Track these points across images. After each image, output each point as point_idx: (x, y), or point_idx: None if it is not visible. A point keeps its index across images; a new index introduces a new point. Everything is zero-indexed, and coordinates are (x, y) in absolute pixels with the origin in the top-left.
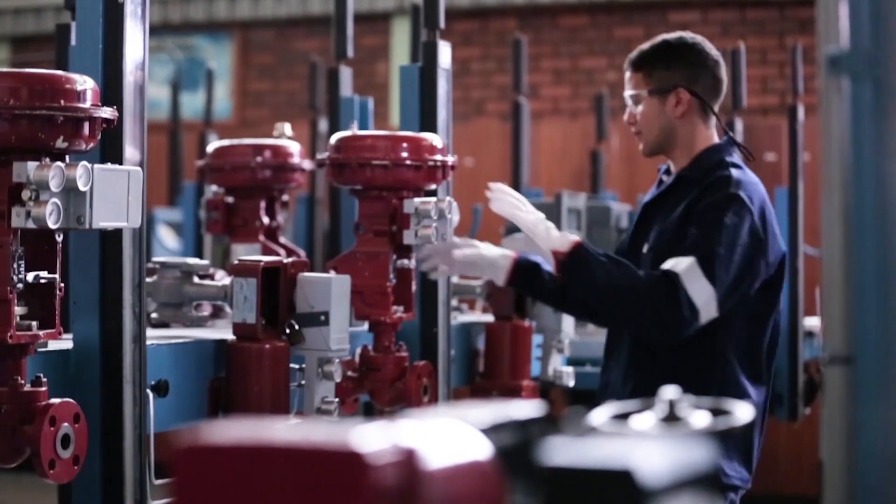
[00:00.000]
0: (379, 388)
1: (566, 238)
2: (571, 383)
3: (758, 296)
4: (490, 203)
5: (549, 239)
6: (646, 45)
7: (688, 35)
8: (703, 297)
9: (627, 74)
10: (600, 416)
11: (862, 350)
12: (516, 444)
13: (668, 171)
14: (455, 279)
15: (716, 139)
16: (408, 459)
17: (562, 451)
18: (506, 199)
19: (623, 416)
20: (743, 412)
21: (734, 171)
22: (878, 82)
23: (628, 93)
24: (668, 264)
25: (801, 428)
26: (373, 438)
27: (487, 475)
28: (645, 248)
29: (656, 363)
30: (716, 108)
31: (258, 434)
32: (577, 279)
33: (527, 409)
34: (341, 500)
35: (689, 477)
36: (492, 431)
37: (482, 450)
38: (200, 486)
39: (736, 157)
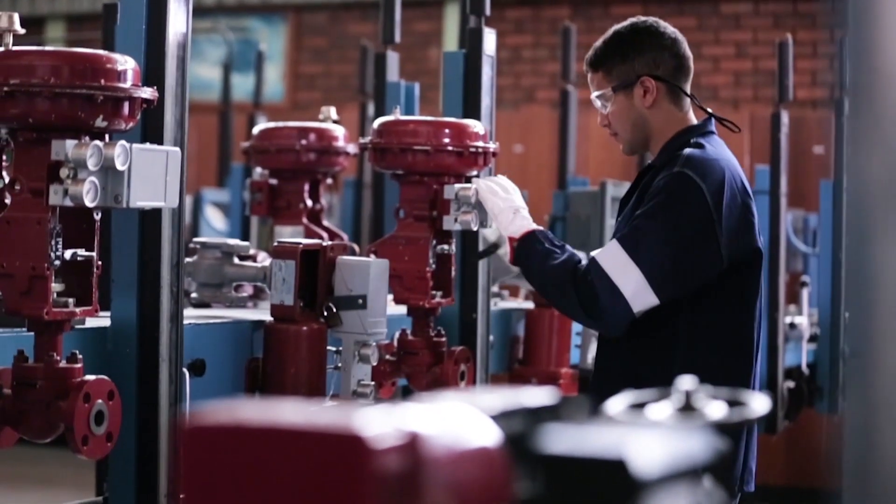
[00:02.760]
0: (416, 372)
1: (524, 226)
2: None
3: (727, 284)
4: (474, 182)
5: (509, 225)
6: (598, 43)
7: (638, 20)
8: (629, 280)
9: (589, 77)
10: (615, 404)
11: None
12: (524, 431)
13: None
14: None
15: (692, 121)
16: (411, 443)
17: (560, 439)
18: (483, 184)
19: (638, 406)
20: (760, 404)
21: (689, 150)
22: None
23: (593, 95)
24: (595, 251)
25: (841, 421)
26: (376, 422)
27: (493, 461)
28: None
29: (617, 351)
30: (687, 87)
31: (264, 416)
32: (523, 265)
33: (539, 396)
34: (344, 483)
35: (687, 468)
36: (501, 418)
37: (489, 436)
38: (206, 466)
39: (710, 138)
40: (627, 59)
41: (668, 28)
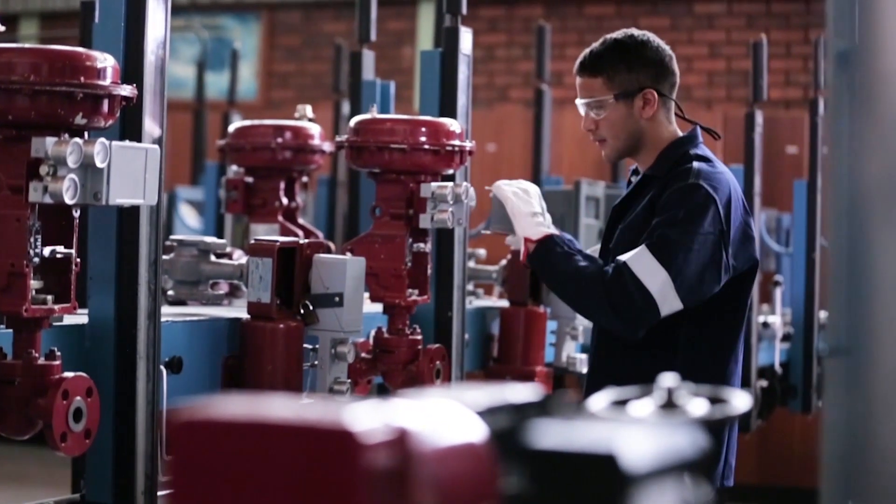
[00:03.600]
0: (392, 370)
1: (544, 230)
2: (585, 370)
3: (726, 293)
4: (493, 186)
5: (526, 227)
6: (597, 48)
7: (636, 32)
8: (657, 283)
9: (580, 80)
10: (598, 401)
11: (862, 343)
12: (511, 427)
13: (636, 172)
14: (472, 264)
15: (679, 132)
16: (400, 439)
17: (549, 435)
18: (504, 185)
19: (621, 403)
20: (741, 401)
21: (697, 164)
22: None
23: (586, 100)
24: (622, 256)
25: (814, 420)
26: (366, 417)
27: (480, 457)
28: (611, 247)
29: (618, 354)
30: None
31: (254, 411)
32: (541, 267)
33: (523, 392)
34: (333, 478)
35: (674, 463)
36: (487, 414)
37: (476, 431)
38: (196, 460)
39: (703, 149)
40: (632, 69)
41: (664, 44)
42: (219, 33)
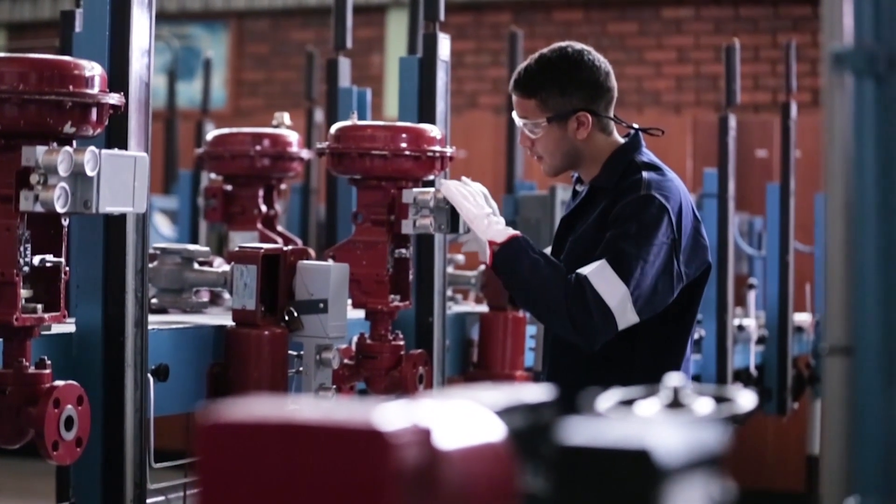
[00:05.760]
0: (375, 376)
1: (506, 231)
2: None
3: (679, 299)
4: (440, 187)
5: (487, 230)
6: (532, 66)
7: (569, 48)
8: (616, 297)
9: (516, 98)
10: (605, 401)
11: (862, 341)
12: (529, 427)
13: (580, 181)
14: (451, 269)
15: (619, 139)
16: (427, 439)
17: (579, 432)
18: (454, 188)
19: (627, 403)
20: (747, 400)
21: (647, 174)
22: (881, 79)
23: (521, 121)
24: (581, 269)
25: (788, 423)
26: (394, 417)
27: (501, 456)
28: (562, 258)
29: (576, 365)
30: (611, 113)
31: (281, 412)
32: (505, 271)
33: (537, 392)
34: (362, 478)
35: (702, 459)
36: (505, 414)
37: (496, 431)
38: (223, 462)
39: (648, 155)
40: (565, 93)
41: (600, 58)
42: (187, 42)
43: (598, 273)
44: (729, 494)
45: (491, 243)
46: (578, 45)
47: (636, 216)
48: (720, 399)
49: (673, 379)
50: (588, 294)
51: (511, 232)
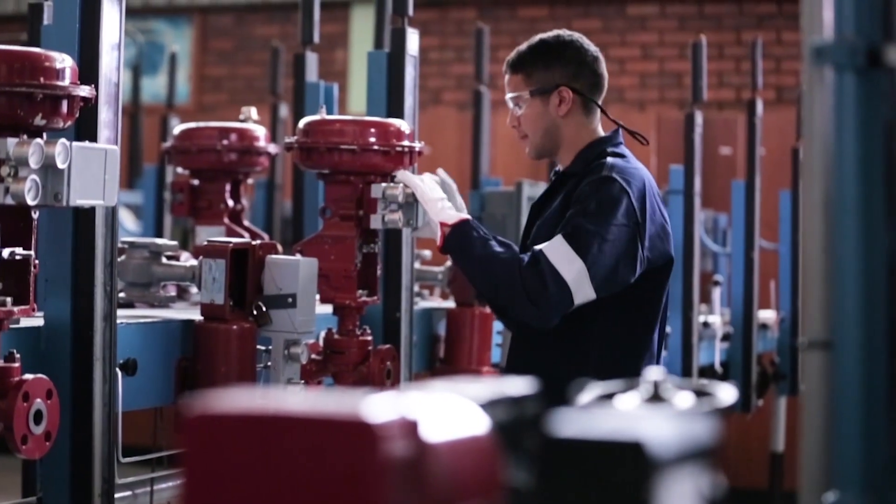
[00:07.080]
0: (342, 371)
1: (458, 215)
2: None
3: (639, 288)
4: (397, 174)
5: (440, 213)
6: (523, 47)
7: (565, 33)
8: (573, 272)
9: (507, 77)
10: (585, 395)
11: (841, 335)
12: (514, 419)
13: (557, 173)
14: (418, 265)
15: (601, 133)
16: (414, 431)
17: (567, 424)
18: (409, 174)
19: (607, 397)
20: (727, 394)
21: (612, 159)
22: (861, 73)
23: (509, 96)
24: (539, 245)
25: (752, 420)
26: (381, 409)
27: (486, 448)
28: (528, 243)
29: (533, 352)
30: (599, 102)
31: (267, 403)
32: (457, 251)
33: (521, 386)
34: (350, 470)
35: (693, 451)
36: (490, 406)
37: (482, 424)
38: (209, 454)
39: (621, 148)
40: (549, 67)
41: (592, 46)
42: (150, 37)
43: (555, 248)
44: (719, 488)
45: (442, 224)
46: (576, 34)
47: (595, 195)
48: (700, 393)
49: (653, 373)
50: (544, 266)
51: (463, 215)
